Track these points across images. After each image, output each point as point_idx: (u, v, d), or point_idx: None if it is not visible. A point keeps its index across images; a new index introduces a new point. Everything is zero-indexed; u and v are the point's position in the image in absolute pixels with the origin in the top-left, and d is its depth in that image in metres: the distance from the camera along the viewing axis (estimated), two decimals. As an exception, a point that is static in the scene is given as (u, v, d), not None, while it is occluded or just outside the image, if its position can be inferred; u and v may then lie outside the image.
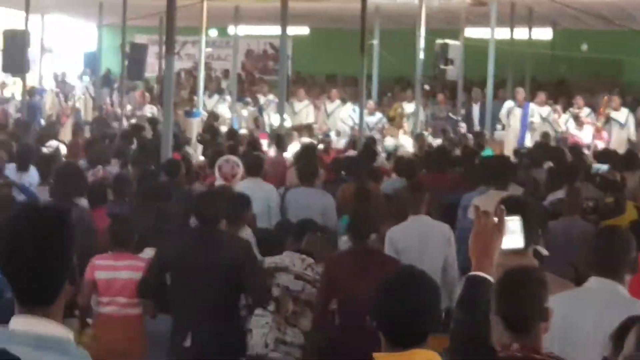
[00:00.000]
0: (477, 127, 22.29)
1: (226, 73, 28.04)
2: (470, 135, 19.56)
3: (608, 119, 20.94)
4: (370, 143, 16.19)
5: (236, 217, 8.10)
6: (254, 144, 15.97)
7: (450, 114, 23.24)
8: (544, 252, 7.13)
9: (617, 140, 20.25)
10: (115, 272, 7.45)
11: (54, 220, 2.81)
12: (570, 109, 21.82)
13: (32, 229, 2.76)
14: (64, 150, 15.18)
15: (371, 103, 22.90)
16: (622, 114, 21.15)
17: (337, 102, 24.42)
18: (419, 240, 8.30)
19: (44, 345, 2.74)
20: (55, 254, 2.79)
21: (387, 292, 3.84)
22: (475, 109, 22.75)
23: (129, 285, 7.35)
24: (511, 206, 4.64)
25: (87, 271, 7.43)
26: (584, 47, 23.58)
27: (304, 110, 24.26)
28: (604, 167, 11.73)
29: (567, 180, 10.54)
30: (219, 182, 10.55)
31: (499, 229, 3.87)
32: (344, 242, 9.12)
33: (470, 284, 3.92)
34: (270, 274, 7.20)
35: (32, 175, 11.42)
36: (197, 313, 6.74)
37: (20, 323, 2.77)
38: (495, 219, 3.88)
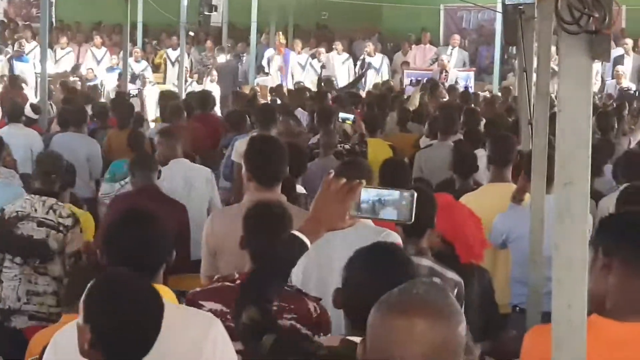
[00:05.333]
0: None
1: (-17, 21, 27.22)
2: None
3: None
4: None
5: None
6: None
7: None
8: (303, 190, 7.62)
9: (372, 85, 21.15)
10: None
11: None
12: (330, 54, 22.53)
13: None
14: None
15: (137, 50, 22.97)
16: (377, 60, 22.10)
17: (104, 49, 24.28)
18: (184, 183, 8.37)
19: None
20: None
21: (111, 231, 4.12)
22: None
23: None
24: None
25: None
26: (345, -7, 24.23)
27: (66, 57, 24.05)
28: (349, 117, 12.17)
29: (323, 123, 11.06)
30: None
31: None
32: (105, 189, 9.35)
33: None
34: (13, 224, 6.99)
35: None
36: None
37: None
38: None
